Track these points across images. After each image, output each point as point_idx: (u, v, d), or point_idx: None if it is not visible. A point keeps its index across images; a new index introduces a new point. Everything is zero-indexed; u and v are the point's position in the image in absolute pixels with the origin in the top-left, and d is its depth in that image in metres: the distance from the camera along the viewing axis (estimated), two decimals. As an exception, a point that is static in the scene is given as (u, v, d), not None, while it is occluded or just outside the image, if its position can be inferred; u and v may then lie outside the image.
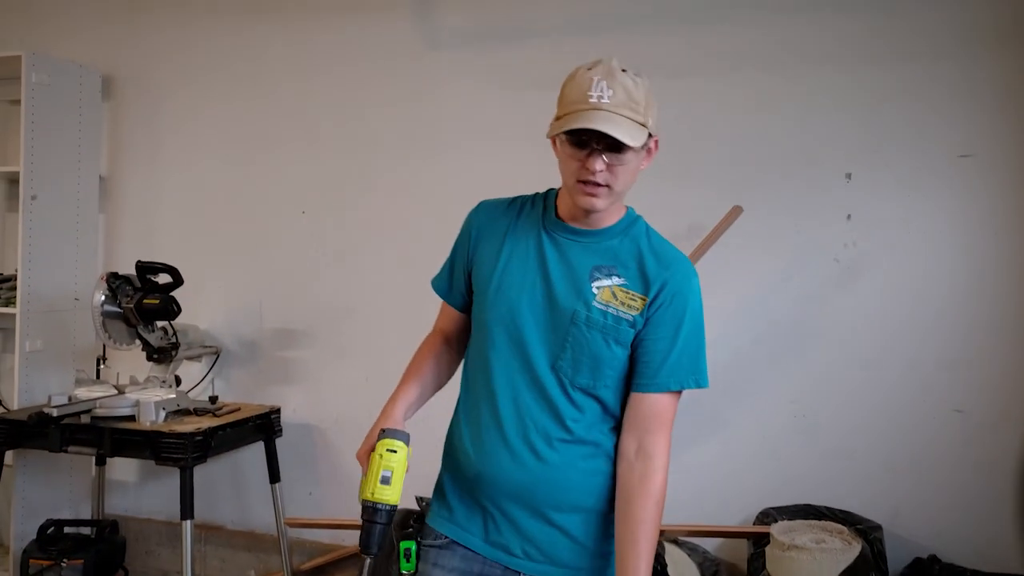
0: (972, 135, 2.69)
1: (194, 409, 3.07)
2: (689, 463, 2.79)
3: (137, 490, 3.67)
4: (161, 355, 3.12)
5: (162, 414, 2.90)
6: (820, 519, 2.67)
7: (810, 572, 2.43)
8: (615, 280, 1.50)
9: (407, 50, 3.28)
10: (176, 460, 2.79)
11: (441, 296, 1.72)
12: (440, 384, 1.71)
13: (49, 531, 3.18)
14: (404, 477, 1.49)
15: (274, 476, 3.29)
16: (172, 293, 3.06)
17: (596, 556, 1.56)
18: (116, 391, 3.04)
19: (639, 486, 1.46)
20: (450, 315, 1.72)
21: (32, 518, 3.28)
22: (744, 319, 2.88)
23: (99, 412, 2.89)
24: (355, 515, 3.15)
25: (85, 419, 2.88)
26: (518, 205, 1.63)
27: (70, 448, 2.88)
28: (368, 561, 1.49)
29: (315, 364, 3.42)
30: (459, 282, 1.67)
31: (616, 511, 1.49)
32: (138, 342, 3.09)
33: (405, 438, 1.51)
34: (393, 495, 1.46)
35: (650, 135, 1.45)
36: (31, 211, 3.32)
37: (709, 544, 2.89)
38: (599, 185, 1.44)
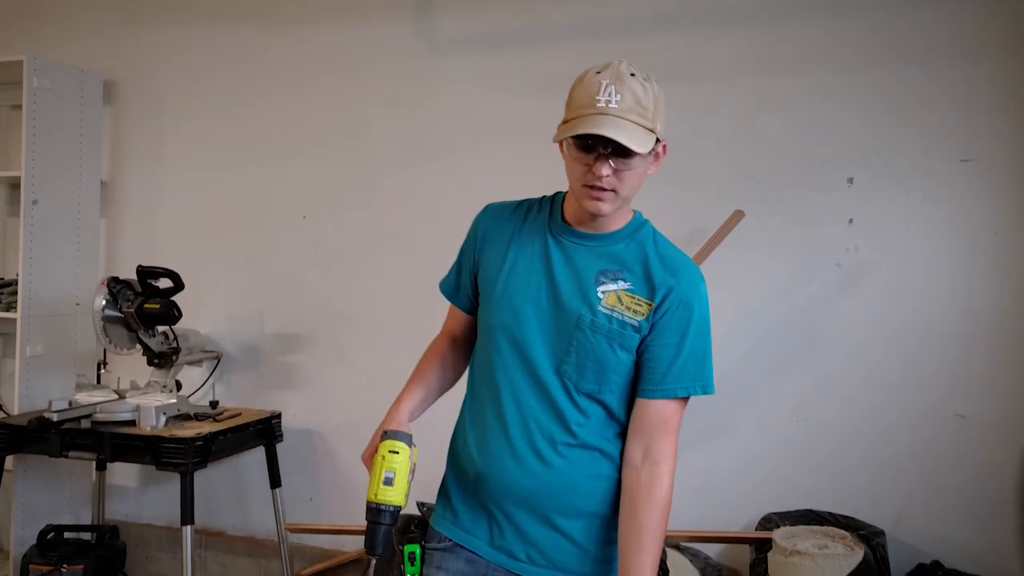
0: (974, 139, 2.69)
1: (195, 414, 3.07)
2: (691, 468, 2.78)
3: (137, 495, 3.66)
4: (162, 360, 3.12)
5: (163, 419, 2.90)
6: (823, 524, 2.66)
7: (813, 578, 2.42)
8: (621, 284, 1.50)
9: (408, 54, 3.28)
10: (176, 465, 2.78)
11: (448, 298, 1.72)
12: (446, 386, 1.72)
13: (49, 536, 3.17)
14: (408, 477, 1.50)
15: (275, 481, 3.28)
16: (173, 298, 3.06)
17: (599, 561, 1.55)
18: (117, 396, 3.03)
19: (645, 492, 1.45)
20: (458, 317, 1.72)
21: (32, 523, 3.27)
22: (746, 324, 2.87)
23: (100, 417, 2.89)
24: (356, 520, 3.16)
25: (85, 424, 2.88)
26: (524, 208, 1.63)
27: (70, 453, 2.88)
28: (373, 562, 1.51)
29: (316, 369, 3.41)
30: (466, 284, 1.67)
31: (621, 517, 1.48)
32: (139, 347, 3.08)
33: (407, 439, 1.52)
34: (396, 496, 1.47)
35: (658, 140, 1.45)
36: (32, 216, 3.33)
37: (711, 549, 2.88)
38: (605, 190, 1.43)
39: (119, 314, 3.01)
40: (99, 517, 3.53)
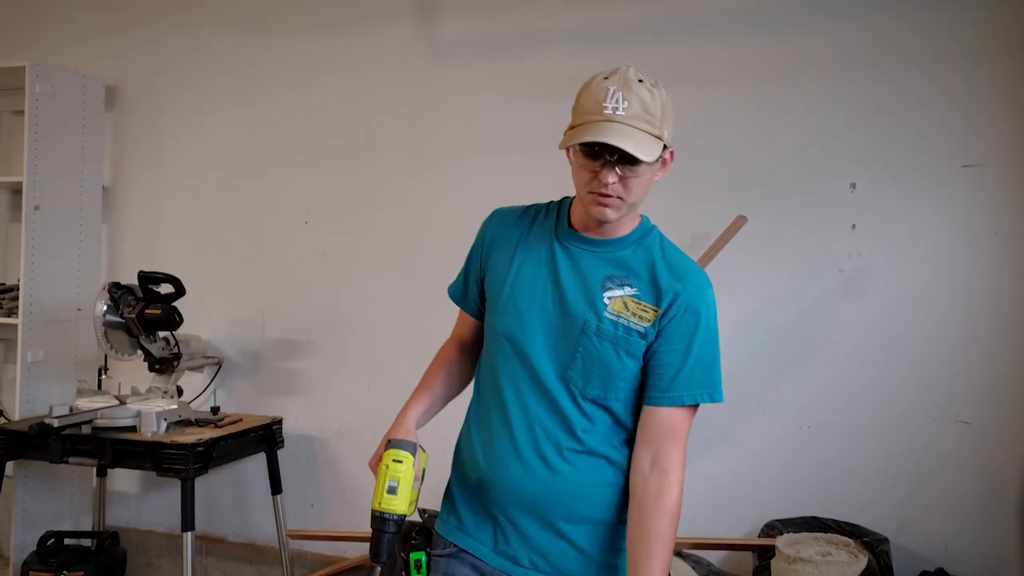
0: (977, 144, 2.69)
1: (196, 420, 3.06)
2: (693, 474, 2.74)
3: (138, 501, 3.65)
4: (163, 365, 3.12)
5: (163, 425, 2.89)
6: (826, 531, 2.65)
7: (816, 585, 2.41)
8: (627, 290, 1.49)
9: (410, 58, 3.29)
10: (177, 471, 2.78)
11: (457, 303, 1.72)
12: (453, 394, 1.71)
13: (49, 543, 3.16)
14: (414, 485, 1.51)
15: (275, 487, 3.28)
16: (174, 303, 3.05)
17: (604, 568, 1.54)
18: (117, 401, 3.03)
19: (654, 501, 1.44)
20: (466, 322, 1.72)
21: (32, 529, 3.27)
22: (749, 329, 2.86)
23: (100, 423, 2.88)
24: (357, 527, 3.16)
25: (86, 430, 2.87)
26: (532, 213, 1.62)
27: (71, 459, 2.87)
28: (378, 569, 1.52)
29: (317, 375, 3.41)
30: (473, 290, 1.67)
31: (629, 525, 1.47)
32: (140, 352, 3.08)
33: (412, 448, 1.52)
34: (400, 505, 1.48)
35: (665, 146, 1.44)
36: (34, 221, 3.33)
37: (714, 556, 2.87)
38: (611, 197, 1.43)
39: (120, 320, 3.01)
40: (99, 523, 3.52)
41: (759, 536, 2.77)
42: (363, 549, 3.09)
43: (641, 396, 1.51)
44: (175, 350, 3.16)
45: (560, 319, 1.50)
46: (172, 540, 3.48)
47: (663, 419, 1.47)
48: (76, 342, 3.53)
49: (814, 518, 2.73)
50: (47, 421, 2.78)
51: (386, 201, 3.32)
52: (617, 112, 1.38)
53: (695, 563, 2.76)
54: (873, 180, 2.78)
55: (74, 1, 3.77)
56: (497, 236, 1.62)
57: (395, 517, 1.47)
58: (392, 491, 1.47)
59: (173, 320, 3.03)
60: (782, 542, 2.55)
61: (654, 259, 1.51)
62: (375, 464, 1.54)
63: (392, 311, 3.29)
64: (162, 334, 3.12)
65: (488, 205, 1.72)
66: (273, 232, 3.47)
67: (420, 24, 3.28)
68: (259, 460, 3.31)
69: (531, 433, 1.51)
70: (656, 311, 1.47)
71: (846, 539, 2.57)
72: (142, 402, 3.02)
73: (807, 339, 2.84)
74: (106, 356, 3.17)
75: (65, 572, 3.09)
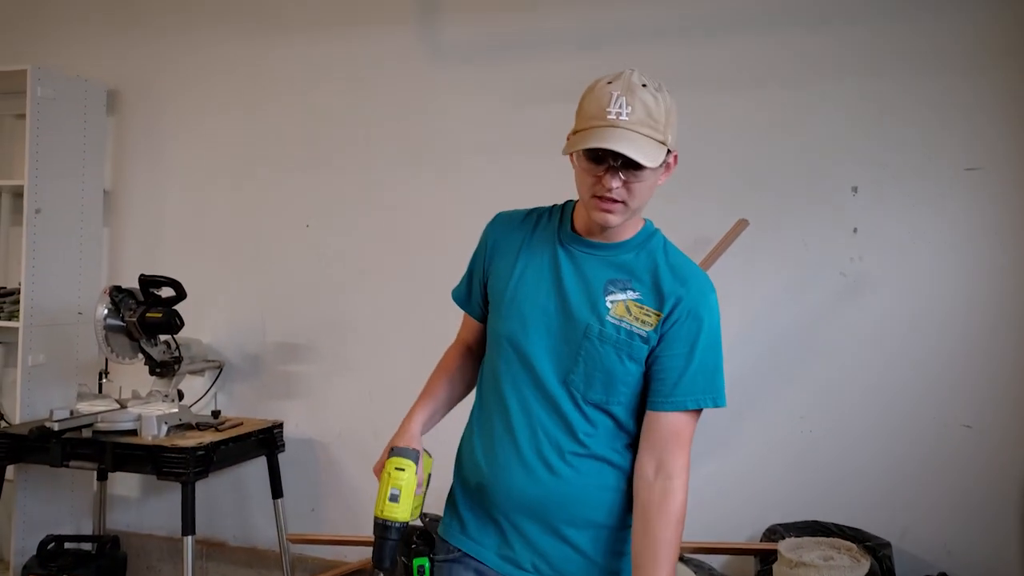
0: (979, 148, 2.69)
1: (196, 424, 3.06)
2: (695, 478, 2.72)
3: (139, 505, 3.65)
4: (164, 369, 3.11)
5: (164, 428, 2.88)
6: (828, 536, 2.64)
7: (819, 590, 2.40)
8: (630, 295, 1.48)
9: (411, 61, 3.29)
10: (178, 475, 2.77)
11: (461, 307, 1.72)
12: (460, 396, 1.71)
13: (49, 547, 3.16)
14: (417, 491, 1.52)
15: (276, 491, 3.27)
16: (175, 307, 3.05)
17: (606, 573, 1.53)
18: (118, 405, 3.02)
19: (659, 506, 1.43)
20: (471, 326, 1.72)
21: (33, 533, 3.26)
22: (750, 333, 2.86)
23: (101, 426, 2.88)
24: (358, 531, 3.15)
25: (87, 433, 2.87)
26: (535, 217, 1.62)
27: (71, 463, 2.87)
28: (380, 575, 1.51)
29: (318, 379, 3.40)
30: (476, 293, 1.67)
31: (634, 531, 1.46)
32: (141, 356, 3.08)
33: (414, 456, 1.52)
34: (402, 512, 1.48)
35: (669, 151, 1.44)
36: (35, 224, 3.32)
37: (716, 561, 2.86)
38: (615, 201, 1.43)
39: (121, 323, 3.01)
40: (100, 527, 3.52)
41: (761, 540, 2.77)
42: (364, 553, 3.08)
43: (643, 400, 1.50)
44: (176, 354, 3.15)
45: (563, 323, 1.50)
46: (173, 544, 3.48)
47: (667, 424, 1.47)
48: (77, 346, 3.52)
49: (816, 522, 2.73)
50: (47, 425, 2.78)
51: (387, 203, 3.32)
52: (621, 117, 1.37)
53: (697, 567, 2.75)
54: (874, 183, 2.78)
55: (76, 5, 3.77)
56: (500, 240, 1.62)
57: (397, 524, 1.48)
58: (394, 499, 1.47)
59: (174, 324, 3.03)
60: (784, 546, 2.54)
61: (657, 263, 1.51)
62: (379, 470, 1.54)
63: (393, 314, 3.29)
64: (163, 338, 3.12)
65: (490, 207, 1.72)
66: (274, 235, 3.47)
67: (421, 26, 3.28)
68: (260, 464, 3.30)
69: (533, 437, 1.50)
70: (659, 315, 1.47)
71: (848, 543, 2.56)
72: (143, 406, 3.02)
73: (809, 343, 2.84)
74: (107, 360, 3.17)
75: (65, 576, 3.09)
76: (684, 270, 1.51)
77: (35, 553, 3.16)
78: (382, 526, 1.48)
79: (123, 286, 3.06)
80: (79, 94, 3.52)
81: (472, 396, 1.69)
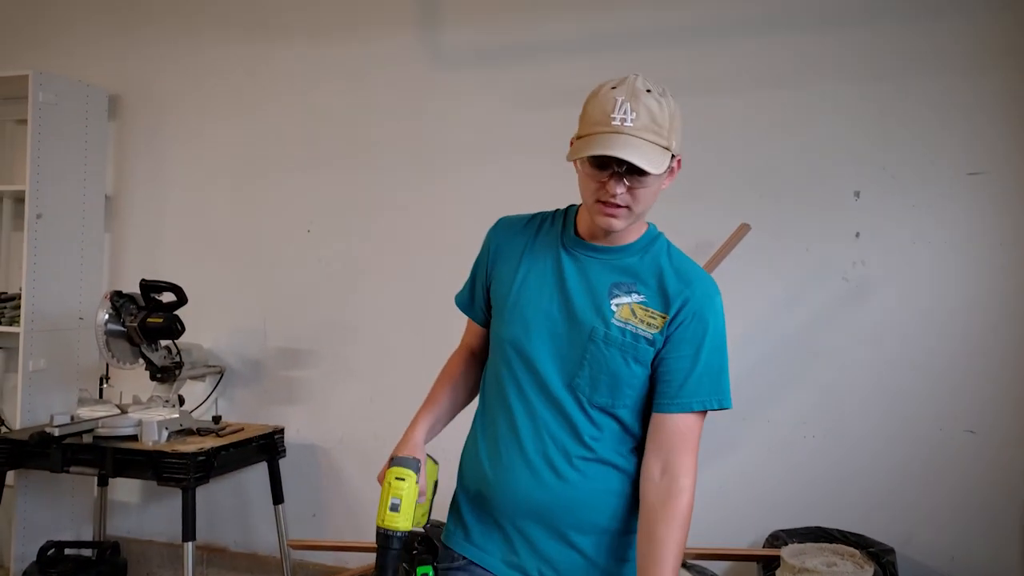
0: (981, 152, 2.68)
1: (197, 429, 3.05)
2: (697, 483, 2.75)
3: (139, 511, 3.64)
4: (164, 374, 3.11)
5: (165, 434, 2.88)
6: (832, 542, 2.63)
7: (822, 596, 2.39)
8: (634, 297, 1.48)
9: (412, 65, 3.29)
10: (178, 480, 2.77)
11: (464, 312, 1.72)
12: (463, 403, 1.71)
13: (50, 553, 3.15)
14: (419, 500, 1.52)
15: (277, 497, 3.26)
16: (176, 312, 3.05)
17: None
18: (119, 411, 3.02)
19: (663, 507, 1.42)
20: (475, 331, 1.71)
21: (33, 539, 3.25)
22: (753, 338, 2.85)
23: (101, 432, 2.87)
24: (359, 537, 3.14)
25: (87, 439, 2.86)
26: (537, 222, 1.62)
27: (72, 468, 2.86)
28: None
29: (319, 384, 3.40)
30: (480, 298, 1.66)
31: (639, 533, 1.45)
32: (141, 361, 3.07)
33: (414, 465, 1.52)
34: (403, 522, 1.48)
35: (673, 155, 1.43)
36: (36, 230, 3.32)
37: (718, 567, 2.85)
38: (619, 206, 1.43)
39: (122, 328, 3.00)
40: (100, 533, 3.51)
41: (763, 546, 2.76)
42: (366, 559, 3.07)
43: (648, 404, 1.50)
44: (177, 359, 3.15)
45: (567, 327, 1.50)
46: (173, 550, 3.47)
47: (673, 426, 1.46)
48: (78, 351, 3.52)
49: (819, 528, 2.72)
50: (48, 430, 2.77)
51: (389, 208, 3.31)
52: (625, 123, 1.37)
53: (699, 573, 2.74)
54: (877, 188, 2.78)
55: (77, 10, 3.78)
56: (503, 244, 1.62)
57: (399, 534, 1.48)
58: (395, 508, 1.48)
59: (175, 329, 3.03)
60: (787, 552, 2.54)
61: (661, 266, 1.51)
62: (382, 479, 1.53)
63: (395, 319, 3.28)
64: (164, 343, 3.12)
65: (491, 211, 1.72)
66: (275, 240, 3.46)
67: (421, 29, 3.28)
68: (261, 469, 3.29)
69: (539, 441, 1.50)
70: (664, 317, 1.47)
71: (852, 549, 2.56)
72: (143, 411, 3.01)
73: (811, 348, 2.83)
74: (107, 365, 3.17)
75: (65, 582, 3.08)
76: (689, 272, 1.51)
77: (35, 559, 3.15)
78: (383, 535, 1.48)
79: (124, 291, 3.06)
80: (80, 99, 3.52)
81: (474, 402, 1.68)
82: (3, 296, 3.55)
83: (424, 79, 3.27)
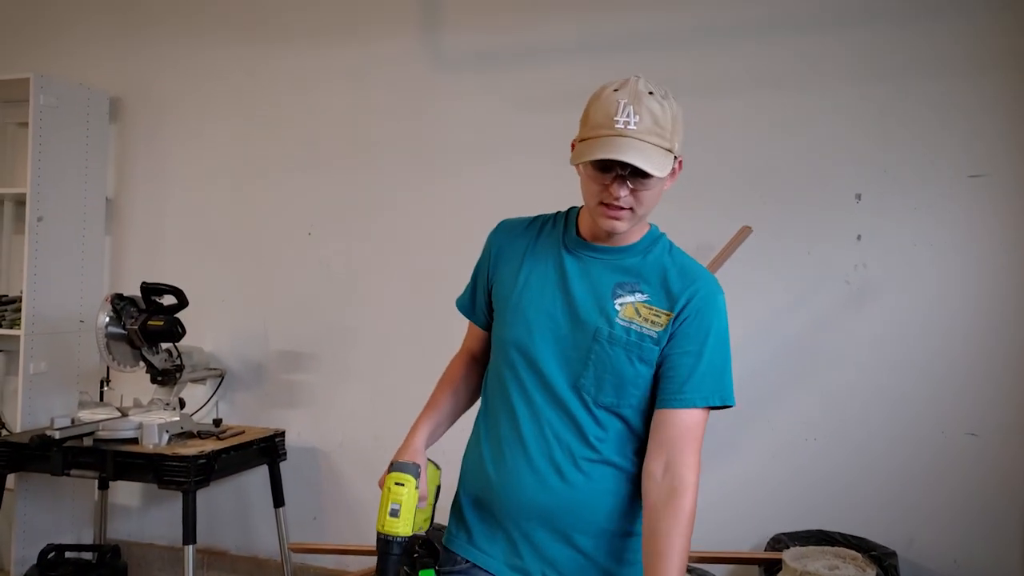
0: (983, 154, 2.68)
1: (198, 432, 3.05)
2: (699, 486, 2.74)
3: (140, 514, 3.63)
4: (165, 377, 3.11)
5: (165, 437, 2.88)
6: (833, 545, 2.63)
7: (824, 600, 2.39)
8: (638, 297, 1.48)
9: (413, 67, 3.29)
10: (179, 484, 2.76)
11: (465, 315, 1.71)
12: (464, 407, 1.71)
13: (50, 556, 3.15)
14: (419, 505, 1.52)
15: (278, 500, 3.26)
16: (177, 315, 3.05)
17: None
18: (119, 413, 3.01)
19: (667, 504, 1.41)
20: (476, 334, 1.71)
21: (33, 542, 3.25)
22: (754, 341, 2.84)
23: (102, 435, 2.87)
24: (360, 540, 3.13)
25: (88, 442, 2.86)
26: (538, 224, 1.62)
27: (72, 471, 2.86)
28: None
29: (320, 387, 3.39)
30: (481, 302, 1.66)
31: (644, 532, 1.44)
32: (142, 364, 3.07)
33: (414, 470, 1.52)
34: (403, 527, 1.48)
35: (675, 157, 1.44)
36: (37, 232, 3.32)
37: (720, 571, 2.85)
38: (623, 209, 1.43)
39: (123, 331, 3.00)
40: (101, 536, 3.50)
41: (765, 550, 2.75)
42: (367, 562, 3.07)
43: (653, 404, 1.49)
44: (177, 362, 3.14)
45: (570, 327, 1.50)
46: (173, 553, 3.46)
47: (675, 422, 1.45)
48: (78, 354, 3.52)
49: (821, 531, 2.71)
50: (48, 433, 2.77)
51: (390, 211, 3.31)
52: (629, 126, 1.37)
53: (701, 577, 2.74)
54: (878, 190, 2.77)
55: (78, 13, 3.78)
56: (504, 247, 1.62)
57: (399, 539, 1.48)
58: (394, 514, 1.48)
59: (176, 332, 3.03)
60: (789, 556, 2.53)
61: (664, 265, 1.51)
62: (383, 484, 1.53)
63: (396, 321, 3.28)
64: (164, 346, 3.11)
65: (492, 213, 1.72)
66: (277, 243, 3.46)
67: (422, 31, 3.28)
68: (261, 473, 3.29)
69: (544, 442, 1.49)
70: (668, 315, 1.47)
71: (854, 553, 2.55)
72: (144, 414, 3.01)
73: (813, 351, 2.83)
74: (108, 368, 3.16)
75: (66, 585, 3.08)
76: (692, 270, 1.52)
77: (35, 562, 3.14)
78: (384, 541, 1.48)
79: (125, 294, 3.06)
80: (81, 102, 3.53)
81: (475, 406, 1.68)
82: (4, 299, 3.55)
83: (424, 80, 3.27)
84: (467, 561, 1.57)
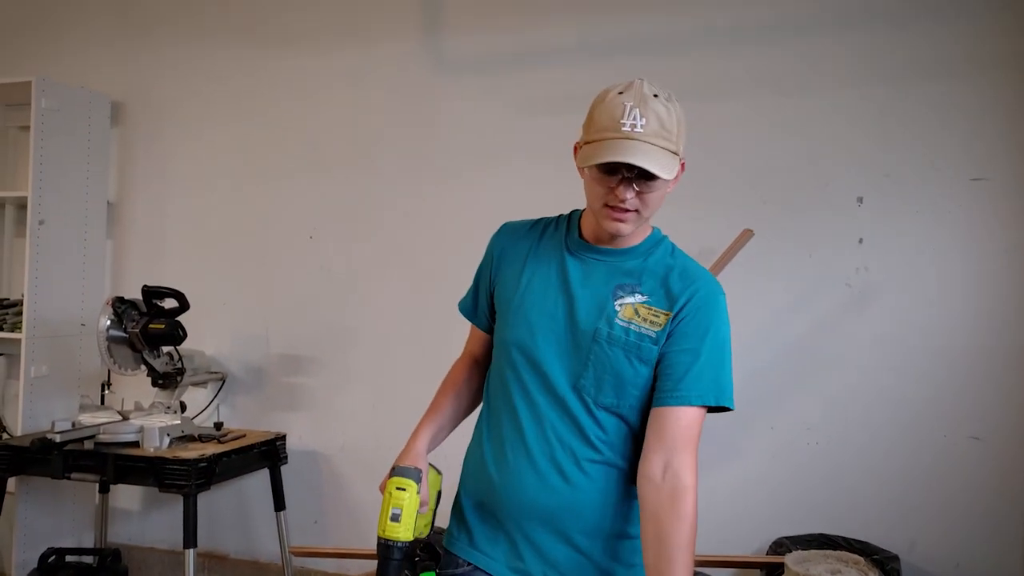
0: (985, 158, 2.67)
1: (199, 435, 3.05)
2: (700, 490, 2.73)
3: (140, 518, 3.63)
4: (166, 381, 3.10)
5: (166, 440, 2.87)
6: (836, 549, 2.62)
7: (826, 603, 2.38)
8: (638, 297, 1.49)
9: (415, 71, 3.29)
10: (180, 487, 2.76)
11: (467, 318, 1.71)
12: (466, 411, 1.70)
13: (51, 560, 3.14)
14: (420, 510, 1.51)
15: (279, 504, 3.25)
16: (178, 318, 3.04)
17: None
18: (120, 417, 3.01)
19: (670, 507, 1.40)
20: (478, 337, 1.71)
21: (34, 546, 3.25)
22: (756, 344, 2.84)
23: (103, 438, 2.87)
24: (361, 544, 3.12)
25: (88, 445, 2.86)
26: (541, 227, 1.62)
27: (73, 475, 2.85)
28: None
29: (321, 390, 3.39)
30: (483, 304, 1.66)
31: (645, 536, 1.42)
32: (143, 367, 3.07)
33: (415, 475, 1.51)
34: (404, 532, 1.48)
35: (679, 159, 1.44)
36: (38, 236, 3.33)
37: (722, 575, 2.84)
38: (628, 211, 1.43)
39: (124, 334, 3.00)
40: (101, 540, 3.50)
41: (767, 553, 2.74)
42: (368, 566, 3.06)
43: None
44: (178, 365, 3.14)
45: (571, 328, 1.50)
46: (174, 557, 3.46)
47: (672, 420, 1.44)
48: (79, 357, 3.52)
49: (823, 535, 2.71)
50: (49, 436, 2.77)
51: (391, 214, 3.31)
52: (635, 129, 1.37)
53: (703, 581, 2.73)
54: (880, 194, 2.77)
55: (79, 17, 3.79)
56: (507, 249, 1.62)
57: (399, 544, 1.48)
58: (395, 518, 1.47)
59: (177, 335, 3.02)
60: (791, 559, 2.52)
61: (666, 266, 1.51)
62: (384, 489, 1.53)
63: (398, 324, 3.28)
64: (166, 349, 3.11)
65: (495, 217, 1.71)
66: (278, 246, 3.46)
67: (424, 35, 3.28)
68: (262, 476, 3.29)
69: (546, 442, 1.49)
70: (668, 315, 1.47)
71: (856, 556, 2.54)
72: (145, 417, 3.01)
73: (815, 354, 2.82)
74: (109, 371, 3.16)
75: (66, 589, 3.07)
76: (693, 272, 1.52)
77: (36, 566, 3.14)
78: (384, 546, 1.48)
79: (126, 297, 3.05)
80: (83, 105, 3.53)
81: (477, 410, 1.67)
82: (5, 302, 3.55)
83: (425, 82, 3.28)
84: (468, 563, 1.56)
